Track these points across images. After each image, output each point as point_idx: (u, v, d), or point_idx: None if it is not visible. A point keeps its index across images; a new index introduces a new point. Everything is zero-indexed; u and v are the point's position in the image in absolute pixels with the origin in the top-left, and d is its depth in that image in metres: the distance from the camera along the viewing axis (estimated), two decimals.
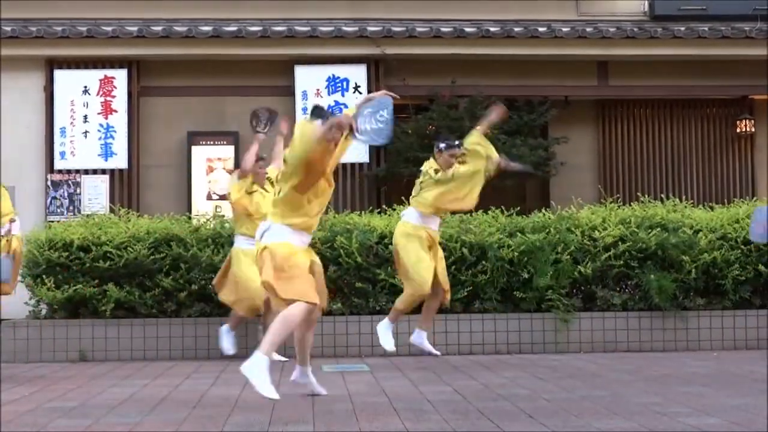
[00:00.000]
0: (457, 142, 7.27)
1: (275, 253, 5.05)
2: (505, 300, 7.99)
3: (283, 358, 6.98)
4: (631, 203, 8.99)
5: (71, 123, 11.06)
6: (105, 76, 11.15)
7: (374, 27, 11.20)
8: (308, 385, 5.52)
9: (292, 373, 5.58)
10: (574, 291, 8.22)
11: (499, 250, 7.99)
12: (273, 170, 7.39)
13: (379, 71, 11.32)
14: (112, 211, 9.94)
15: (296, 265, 5.05)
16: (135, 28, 10.99)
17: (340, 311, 7.87)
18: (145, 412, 4.98)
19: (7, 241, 6.66)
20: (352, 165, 11.01)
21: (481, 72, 11.06)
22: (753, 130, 12.05)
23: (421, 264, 6.95)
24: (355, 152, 10.64)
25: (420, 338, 7.30)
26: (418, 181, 7.32)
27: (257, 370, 4.82)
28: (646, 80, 11.69)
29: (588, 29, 11.25)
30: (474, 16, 11.57)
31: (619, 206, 8.69)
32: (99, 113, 11.10)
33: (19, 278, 8.14)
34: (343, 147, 5.26)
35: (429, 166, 7.25)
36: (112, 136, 11.07)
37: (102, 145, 11.06)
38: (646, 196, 9.48)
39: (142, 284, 8.01)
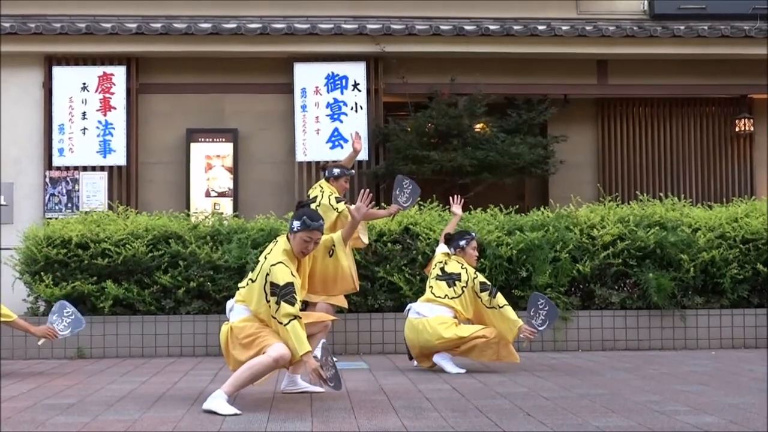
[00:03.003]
0: (473, 234, 6.97)
1: (237, 331, 5.11)
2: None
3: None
4: (630, 202, 9.01)
5: (70, 120, 11.05)
6: (104, 72, 11.13)
7: (374, 24, 11.19)
8: (299, 389, 5.57)
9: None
10: (573, 289, 8.23)
11: (498, 248, 7.99)
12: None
13: (379, 69, 11.32)
14: (110, 208, 9.95)
15: (255, 332, 5.05)
16: (134, 25, 10.98)
17: (339, 309, 7.85)
18: (143, 409, 4.97)
19: None
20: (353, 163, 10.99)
21: (480, 70, 11.06)
22: (752, 129, 12.06)
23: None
24: None
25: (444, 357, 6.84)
26: (436, 273, 6.81)
27: (216, 401, 4.82)
28: (645, 79, 11.70)
29: (588, 28, 11.25)
30: (474, 14, 11.57)
31: (617, 205, 8.70)
32: (98, 110, 11.08)
33: (18, 275, 8.18)
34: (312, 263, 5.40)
35: (464, 268, 6.79)
36: (110, 133, 11.07)
37: (101, 142, 11.05)
38: (645, 194, 9.49)
39: (141, 281, 8.01)
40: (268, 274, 4.98)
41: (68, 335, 6.86)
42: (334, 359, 5.10)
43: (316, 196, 7.29)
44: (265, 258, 5.10)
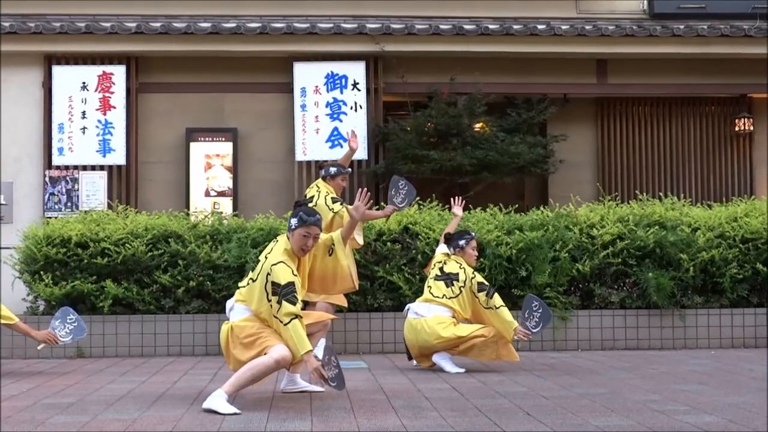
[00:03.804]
0: (472, 234, 6.97)
1: (238, 330, 5.11)
2: (502, 297, 7.96)
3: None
4: (630, 201, 9.01)
5: (69, 119, 11.04)
6: (103, 72, 11.13)
7: (373, 24, 11.19)
8: (298, 388, 5.57)
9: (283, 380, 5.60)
10: (572, 289, 8.23)
11: (498, 248, 7.99)
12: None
13: (378, 68, 11.32)
14: (110, 207, 9.95)
15: (257, 332, 5.05)
16: (134, 24, 10.98)
17: (338, 308, 7.85)
18: (143, 409, 4.98)
19: None
20: (351, 162, 10.99)
21: (480, 69, 11.06)
22: (752, 128, 12.06)
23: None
24: None
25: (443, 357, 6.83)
26: (434, 273, 6.80)
27: (216, 401, 4.82)
28: (645, 78, 11.70)
29: (587, 27, 11.25)
30: (473, 13, 11.57)
31: (617, 204, 8.70)
32: (97, 109, 11.09)
33: (17, 274, 8.18)
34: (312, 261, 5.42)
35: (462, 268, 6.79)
36: (110, 132, 11.07)
37: (100, 141, 11.05)
38: (645, 194, 9.49)
39: (140, 281, 8.01)
40: (269, 274, 4.98)
41: (69, 342, 6.89)
42: (336, 358, 5.08)
43: (312, 196, 7.30)
44: (266, 258, 5.11)
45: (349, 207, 5.63)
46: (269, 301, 4.97)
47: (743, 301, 8.28)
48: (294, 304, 4.90)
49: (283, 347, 4.91)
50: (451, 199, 7.47)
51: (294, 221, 5.15)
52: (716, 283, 8.23)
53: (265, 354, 4.93)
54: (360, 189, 5.63)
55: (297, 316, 4.90)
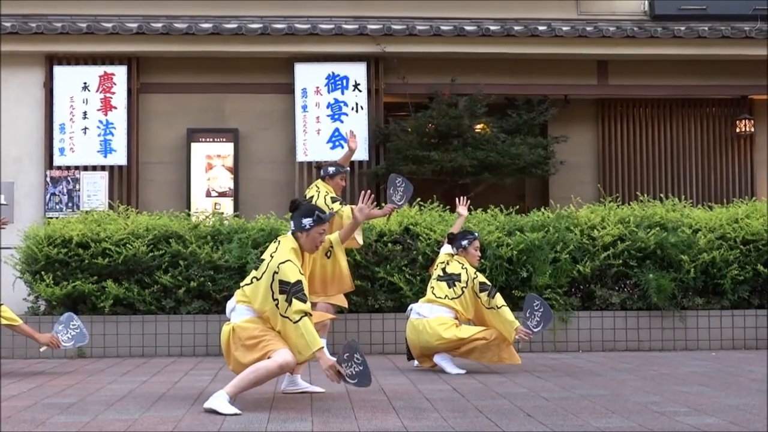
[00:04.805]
0: (475, 234, 6.96)
1: (240, 331, 5.08)
2: (503, 299, 7.98)
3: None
4: (630, 202, 9.01)
5: (71, 119, 11.05)
6: (105, 72, 11.14)
7: (374, 25, 11.20)
8: (299, 389, 5.58)
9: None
10: (573, 290, 8.23)
11: (498, 249, 7.99)
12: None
13: (379, 69, 11.33)
14: (111, 207, 9.95)
15: (260, 334, 5.02)
16: (135, 25, 10.98)
17: (339, 309, 7.86)
18: (143, 409, 4.98)
19: None
20: (352, 163, 10.99)
21: (481, 70, 11.06)
22: (752, 130, 12.06)
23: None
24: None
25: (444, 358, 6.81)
26: (437, 274, 6.80)
27: (218, 401, 4.82)
28: (645, 80, 11.70)
29: (588, 28, 11.25)
30: (474, 14, 11.57)
31: (618, 205, 8.71)
32: (98, 110, 11.09)
33: (18, 274, 8.19)
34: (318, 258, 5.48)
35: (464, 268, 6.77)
36: (111, 133, 11.07)
37: (101, 141, 11.05)
38: (646, 195, 9.50)
39: (141, 281, 8.01)
40: (276, 273, 4.98)
41: (70, 347, 6.96)
42: (362, 355, 4.95)
43: (312, 196, 7.31)
44: (271, 256, 5.09)
45: (354, 208, 5.65)
46: (275, 300, 4.97)
47: (744, 303, 8.28)
48: (304, 302, 4.91)
49: (287, 352, 4.90)
50: (456, 199, 7.46)
51: (309, 221, 5.14)
52: (717, 284, 8.23)
53: (268, 358, 4.93)
54: (363, 191, 5.65)
55: (307, 314, 4.91)
